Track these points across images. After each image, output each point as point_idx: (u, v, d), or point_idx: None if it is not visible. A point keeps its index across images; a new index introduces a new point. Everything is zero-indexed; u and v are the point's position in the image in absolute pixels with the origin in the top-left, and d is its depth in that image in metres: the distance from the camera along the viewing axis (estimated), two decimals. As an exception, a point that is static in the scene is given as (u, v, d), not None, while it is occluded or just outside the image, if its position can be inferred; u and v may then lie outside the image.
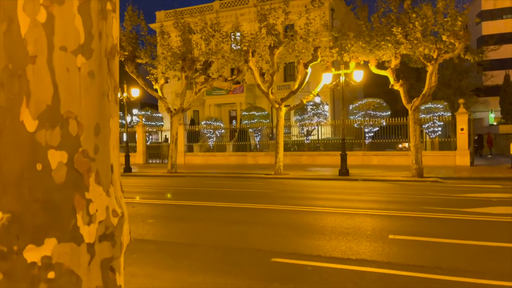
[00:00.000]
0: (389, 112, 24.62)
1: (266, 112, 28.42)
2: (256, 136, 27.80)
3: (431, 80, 15.98)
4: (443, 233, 6.49)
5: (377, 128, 24.05)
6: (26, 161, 1.19)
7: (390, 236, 6.22)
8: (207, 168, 22.16)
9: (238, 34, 18.58)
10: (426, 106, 22.49)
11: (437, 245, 5.84)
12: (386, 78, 17.11)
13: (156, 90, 20.49)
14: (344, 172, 16.60)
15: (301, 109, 24.65)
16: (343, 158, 16.67)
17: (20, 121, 1.22)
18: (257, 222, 7.61)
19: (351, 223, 7.25)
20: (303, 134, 25.92)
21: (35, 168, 1.17)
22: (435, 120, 22.55)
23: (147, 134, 29.85)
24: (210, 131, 29.20)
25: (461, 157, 20.89)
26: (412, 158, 15.99)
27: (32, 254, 1.19)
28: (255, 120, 27.17)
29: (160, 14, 40.64)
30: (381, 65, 17.78)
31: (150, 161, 29.14)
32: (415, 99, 16.09)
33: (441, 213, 8.11)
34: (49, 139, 1.19)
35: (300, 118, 26.38)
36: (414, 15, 15.36)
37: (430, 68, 15.97)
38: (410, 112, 16.16)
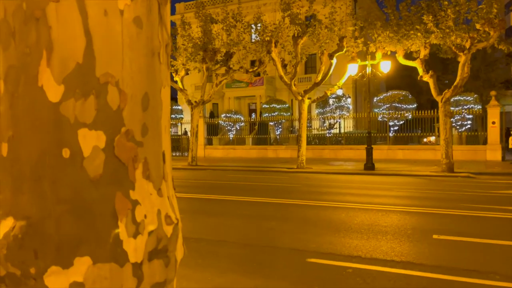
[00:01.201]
0: (415, 105, 23.83)
1: (287, 105, 27.95)
2: (277, 129, 27.38)
3: (463, 71, 15.25)
4: (491, 234, 5.98)
5: (402, 122, 23.31)
6: (48, 145, 0.78)
7: (435, 236, 5.75)
8: (228, 161, 21.91)
9: (260, 25, 18.15)
10: (455, 98, 21.63)
11: (487, 247, 5.35)
12: (409, 70, 16.48)
13: (176, 82, 20.28)
14: (369, 166, 16.05)
15: (323, 102, 24.10)
16: (369, 152, 16.12)
17: (39, 86, 0.81)
18: (286, 218, 7.24)
19: (388, 221, 6.81)
20: (325, 128, 25.36)
21: (61, 155, 0.83)
22: (464, 113, 21.67)
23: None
24: (230, 124, 28.94)
25: (492, 151, 20.02)
26: (442, 152, 15.34)
27: (57, 280, 0.85)
28: (276, 113, 26.74)
29: (179, 6, 40.48)
30: (409, 56, 17.15)
31: (170, 154, 29.09)
32: (446, 91, 15.39)
33: (483, 211, 7.57)
34: (79, 113, 0.82)
35: (322, 111, 25.82)
36: (446, 3, 14.64)
37: (462, 58, 15.22)
38: (440, 104, 15.47)
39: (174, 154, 28.43)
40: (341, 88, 20.11)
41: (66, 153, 0.79)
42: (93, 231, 0.82)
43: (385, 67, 16.56)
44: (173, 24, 34.17)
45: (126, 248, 0.85)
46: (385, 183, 12.64)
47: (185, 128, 31.01)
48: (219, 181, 13.98)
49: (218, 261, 4.87)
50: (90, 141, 0.81)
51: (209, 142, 28.51)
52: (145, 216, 0.91)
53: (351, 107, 27.12)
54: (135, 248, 0.88)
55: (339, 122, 25.18)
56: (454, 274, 4.30)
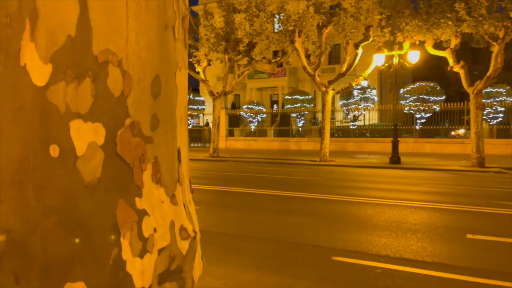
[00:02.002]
0: (443, 97, 23.02)
1: (310, 96, 27.52)
2: (299, 121, 27.04)
3: (496, 61, 14.56)
4: (530, 234, 5.60)
5: (429, 114, 22.55)
6: (32, 141, 0.60)
7: (468, 236, 5.43)
8: (249, 153, 21.78)
9: (283, 14, 17.79)
10: (486, 90, 20.75)
11: (527, 249, 5.00)
12: (437, 60, 15.89)
13: (198, 73, 20.23)
14: (395, 160, 15.60)
15: (347, 93, 23.59)
16: (395, 145, 15.65)
17: (21, 66, 0.61)
18: (310, 213, 7.04)
19: (418, 218, 6.50)
20: (349, 119, 24.86)
21: (48, 153, 0.62)
22: (496, 106, 20.77)
23: (188, 117, 29.91)
24: (251, 116, 28.79)
25: (525, 146, 19.12)
26: (472, 146, 14.73)
27: (43, 310, 0.58)
28: (298, 105, 26.38)
29: (202, -3, 40.33)
30: (438, 45, 16.52)
31: (192, 145, 29.26)
32: (477, 82, 14.72)
33: (519, 210, 7.15)
34: (72, 100, 0.66)
35: (345, 102, 25.29)
36: (479, -11, 13.92)
37: (496, 48, 14.53)
38: (471, 96, 14.82)
39: (196, 145, 28.55)
40: (366, 79, 19.58)
41: (54, 151, 0.62)
42: (88, 250, 0.66)
43: (414, 57, 15.98)
44: (195, 14, 34.05)
45: (130, 271, 0.69)
46: (412, 177, 12.24)
47: (207, 119, 31.08)
48: (241, 173, 13.87)
49: (241, 256, 4.74)
50: (86, 136, 0.64)
51: (230, 133, 28.47)
52: (155, 230, 0.74)
53: (376, 98, 26.43)
54: (141, 271, 0.71)
55: (363, 114, 24.60)
56: (490, 277, 4.01)
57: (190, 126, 30.41)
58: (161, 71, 0.72)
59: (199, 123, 32.30)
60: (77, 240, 0.64)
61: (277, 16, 18.64)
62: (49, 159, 0.61)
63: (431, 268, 4.28)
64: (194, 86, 46.68)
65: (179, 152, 0.83)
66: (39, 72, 0.62)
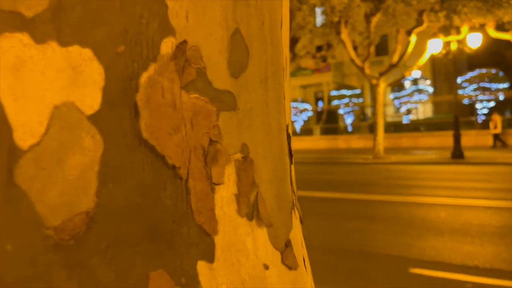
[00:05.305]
0: (507, 84, 21.06)
1: (358, 91, 26.34)
2: (347, 118, 25.98)
3: None
4: None
5: (492, 104, 20.73)
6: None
7: None
8: (295, 153, 21.03)
9: (324, 7, 17.01)
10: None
11: None
12: (496, 45, 14.48)
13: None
14: (458, 154, 14.32)
15: (398, 86, 22.27)
16: (457, 139, 14.37)
17: None
18: (373, 217, 6.36)
19: (502, 220, 5.64)
20: (401, 113, 23.47)
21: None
22: None
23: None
24: (296, 114, 28.13)
25: None
26: (548, 137, 13.22)
27: None
28: (346, 100, 25.31)
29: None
30: (500, 28, 15.12)
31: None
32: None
33: None
34: None
35: (397, 95, 23.92)
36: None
37: None
38: (545, 80, 13.31)
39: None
40: (419, 70, 18.33)
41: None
42: None
43: (474, 41, 14.59)
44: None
45: None
46: (481, 173, 11.05)
47: (251, 120, 30.81)
48: (290, 173, 13.30)
49: (300, 268, 4.22)
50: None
51: (276, 133, 27.95)
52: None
53: (431, 89, 24.72)
54: None
55: (417, 107, 23.15)
56: None
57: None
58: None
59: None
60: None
61: (318, 8, 17.86)
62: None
63: (537, 284, 3.54)
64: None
65: (289, 137, 0.31)
66: None
